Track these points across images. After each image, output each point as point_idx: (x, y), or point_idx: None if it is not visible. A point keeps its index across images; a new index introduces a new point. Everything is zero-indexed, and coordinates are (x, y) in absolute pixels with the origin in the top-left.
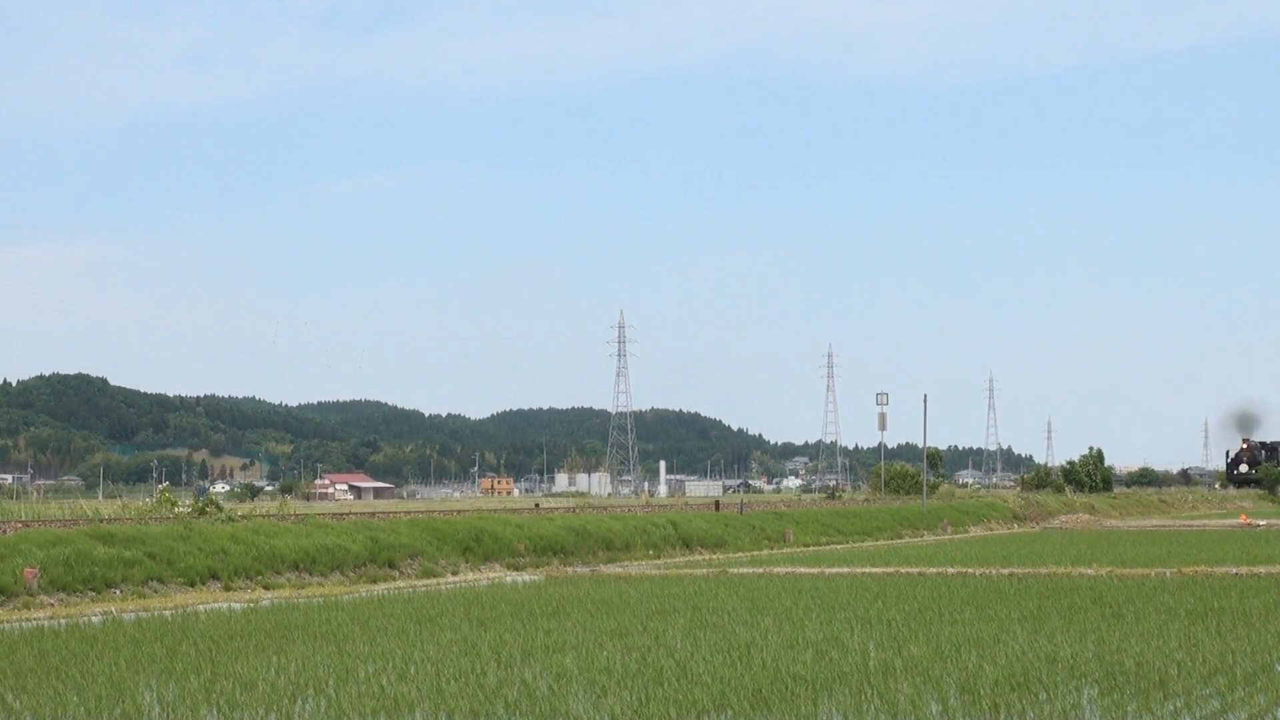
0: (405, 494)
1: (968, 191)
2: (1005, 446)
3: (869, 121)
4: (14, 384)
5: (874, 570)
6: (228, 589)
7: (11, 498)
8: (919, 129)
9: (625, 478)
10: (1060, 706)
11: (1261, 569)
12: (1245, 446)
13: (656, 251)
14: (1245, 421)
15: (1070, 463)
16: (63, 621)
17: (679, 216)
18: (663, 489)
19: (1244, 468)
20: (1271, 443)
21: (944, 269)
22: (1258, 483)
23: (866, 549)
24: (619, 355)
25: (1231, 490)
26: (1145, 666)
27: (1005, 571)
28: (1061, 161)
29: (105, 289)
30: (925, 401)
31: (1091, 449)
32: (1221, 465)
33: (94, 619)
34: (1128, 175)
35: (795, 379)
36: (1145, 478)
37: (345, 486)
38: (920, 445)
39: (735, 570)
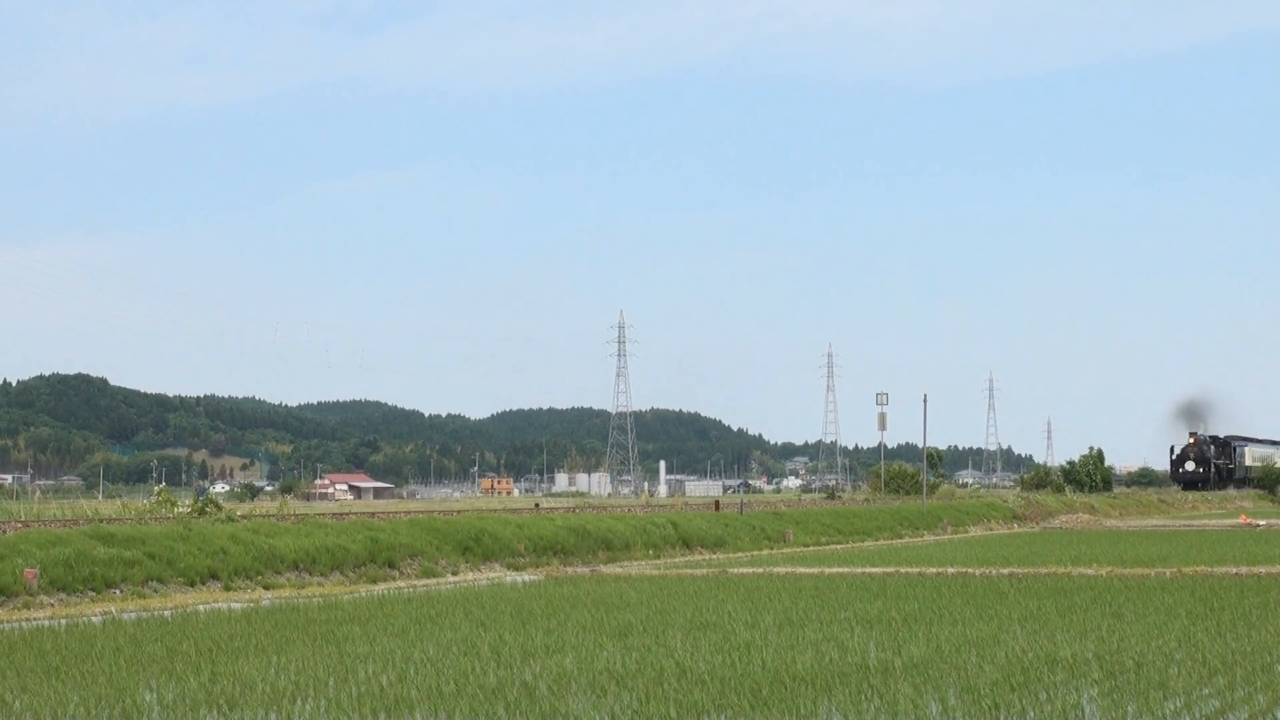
0: (405, 494)
1: (968, 191)
2: (1005, 446)
3: (869, 121)
4: (14, 384)
5: (874, 570)
6: (228, 589)
7: (11, 498)
8: (920, 129)
9: (625, 478)
10: (1060, 706)
11: (1261, 569)
12: (1192, 441)
13: (656, 251)
14: (1192, 412)
15: (1070, 463)
16: (63, 621)
17: (679, 216)
18: (663, 489)
19: (1190, 465)
20: (1225, 437)
21: (944, 269)
22: (1206, 483)
23: (866, 549)
24: (619, 355)
25: (1177, 492)
26: (1145, 666)
27: (1005, 571)
28: (1062, 161)
29: (105, 289)
30: (925, 401)
31: (1091, 449)
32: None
33: (94, 619)
34: (1128, 175)
35: (795, 379)
36: (1145, 478)
37: (345, 486)
38: (920, 445)
39: (735, 570)
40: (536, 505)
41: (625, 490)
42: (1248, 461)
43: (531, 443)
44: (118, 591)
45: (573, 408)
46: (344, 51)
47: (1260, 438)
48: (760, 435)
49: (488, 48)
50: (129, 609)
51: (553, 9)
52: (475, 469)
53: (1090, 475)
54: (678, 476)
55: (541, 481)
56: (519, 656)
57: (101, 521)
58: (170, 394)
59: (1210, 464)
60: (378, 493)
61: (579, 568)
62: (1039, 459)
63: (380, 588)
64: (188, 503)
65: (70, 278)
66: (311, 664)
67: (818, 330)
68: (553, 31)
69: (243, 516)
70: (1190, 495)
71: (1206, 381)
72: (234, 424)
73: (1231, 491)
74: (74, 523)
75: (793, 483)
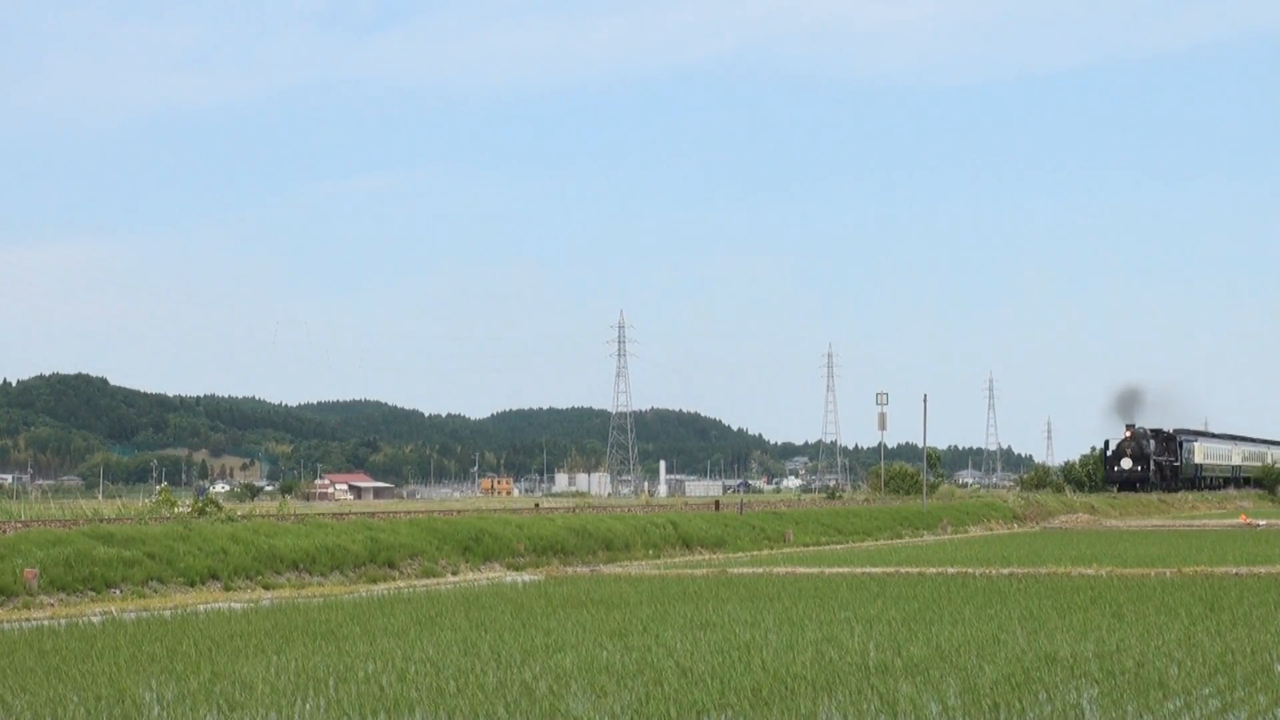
0: (405, 494)
1: (969, 192)
2: (1005, 446)
3: (870, 121)
4: (14, 384)
5: (874, 570)
6: (228, 589)
7: (11, 498)
8: (920, 129)
9: (625, 478)
10: (1060, 706)
11: (1261, 569)
12: (1129, 435)
13: (656, 251)
14: (1129, 402)
15: (1070, 463)
16: (63, 621)
17: (679, 216)
18: (663, 489)
19: (1127, 463)
20: (1172, 430)
21: (944, 269)
22: (1145, 483)
23: (866, 549)
24: (619, 355)
25: (1112, 494)
26: (1145, 666)
27: (1005, 571)
28: (1063, 162)
29: (105, 289)
30: (925, 401)
31: (1092, 449)
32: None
33: (94, 619)
34: (1129, 175)
35: (795, 379)
36: None
37: (345, 486)
38: (920, 445)
39: (735, 570)
40: (536, 505)
41: (625, 490)
42: (1198, 459)
43: (531, 443)
44: (118, 591)
45: (573, 408)
46: (344, 51)
47: (1214, 431)
48: (760, 435)
49: (488, 48)
50: (129, 609)
51: (553, 9)
52: (475, 469)
53: (1090, 475)
54: (678, 476)
55: (541, 481)
56: (519, 656)
57: (101, 521)
58: (170, 394)
59: (1150, 461)
60: (378, 493)
61: (579, 568)
62: (1039, 459)
63: (380, 588)
64: (188, 503)
65: (70, 278)
66: (311, 664)
67: (818, 330)
68: (553, 31)
69: (243, 516)
70: (1190, 495)
71: (1182, 376)
72: (234, 424)
73: (1179, 494)
74: (74, 523)
75: (793, 483)
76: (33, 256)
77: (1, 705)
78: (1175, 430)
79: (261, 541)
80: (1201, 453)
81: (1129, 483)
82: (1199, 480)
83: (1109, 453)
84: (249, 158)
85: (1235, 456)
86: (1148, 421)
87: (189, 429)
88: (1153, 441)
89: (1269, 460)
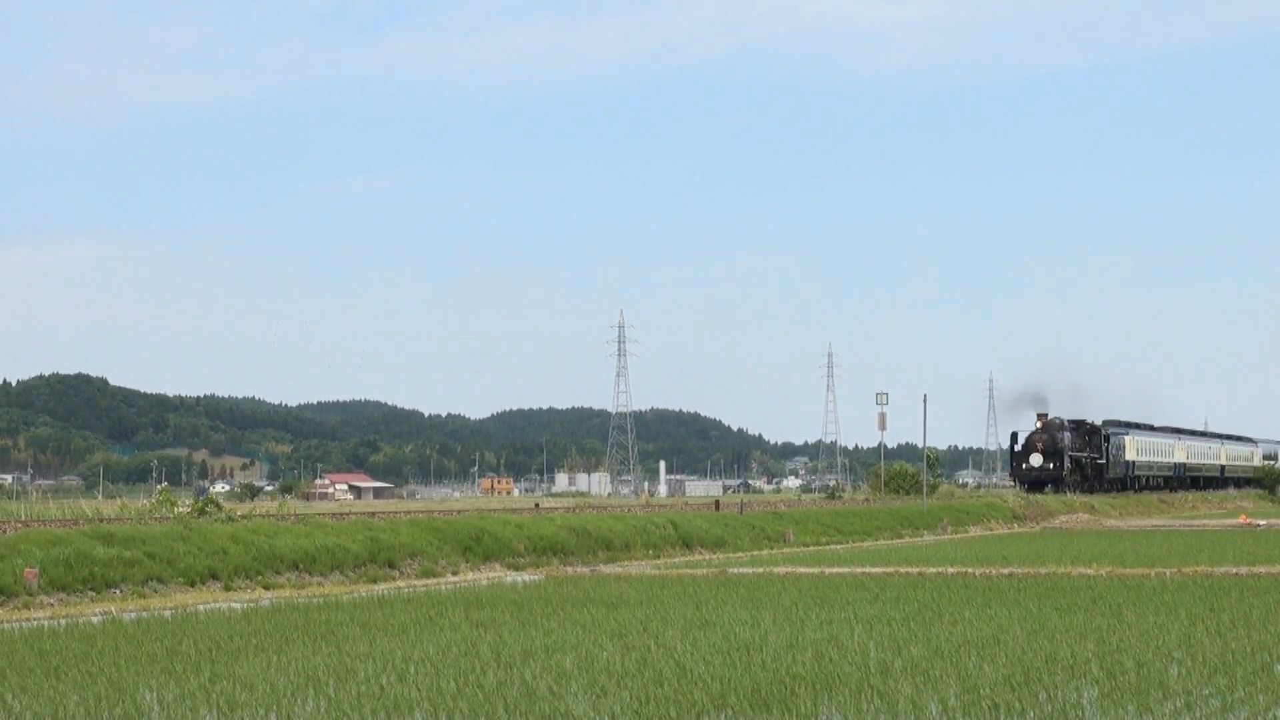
0: (405, 494)
1: (969, 192)
2: (1005, 446)
3: (871, 122)
4: (14, 384)
5: (874, 570)
6: (228, 589)
7: (11, 498)
8: (921, 129)
9: (625, 478)
10: (1060, 706)
11: (1261, 569)
12: (1040, 426)
13: (656, 251)
14: (1040, 393)
15: None
16: (63, 621)
17: (679, 216)
18: (663, 489)
19: (1037, 459)
20: (1099, 422)
21: (944, 269)
22: (1058, 483)
23: (866, 549)
24: (619, 355)
25: (1012, 491)
26: (1145, 666)
27: (1005, 571)
28: (1063, 162)
29: (105, 289)
30: (925, 401)
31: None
32: None
33: (94, 619)
34: (1129, 175)
35: (795, 379)
36: None
37: (345, 486)
38: (920, 445)
39: (735, 570)
40: (536, 505)
41: (625, 490)
42: (1129, 455)
43: (531, 443)
44: (118, 591)
45: (573, 408)
46: (346, 51)
47: (1152, 424)
48: (760, 435)
49: (488, 48)
50: (129, 609)
51: (554, 9)
52: (475, 469)
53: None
54: (678, 476)
55: (541, 481)
56: (519, 656)
57: (101, 521)
58: (170, 394)
59: (1064, 457)
60: (378, 493)
61: (579, 568)
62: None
63: (380, 588)
64: (188, 503)
65: (70, 278)
66: (311, 664)
67: (818, 330)
68: (554, 31)
69: (243, 516)
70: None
71: (1209, 379)
72: (234, 424)
73: (1104, 497)
74: (74, 523)
75: (793, 483)
76: (33, 256)
77: (1, 705)
78: (1104, 422)
79: (261, 541)
80: (1135, 448)
81: (1038, 483)
82: (1131, 480)
83: (1016, 447)
84: (250, 158)
85: (1179, 453)
86: (1079, 414)
87: (189, 429)
88: (1069, 434)
89: (1223, 457)
